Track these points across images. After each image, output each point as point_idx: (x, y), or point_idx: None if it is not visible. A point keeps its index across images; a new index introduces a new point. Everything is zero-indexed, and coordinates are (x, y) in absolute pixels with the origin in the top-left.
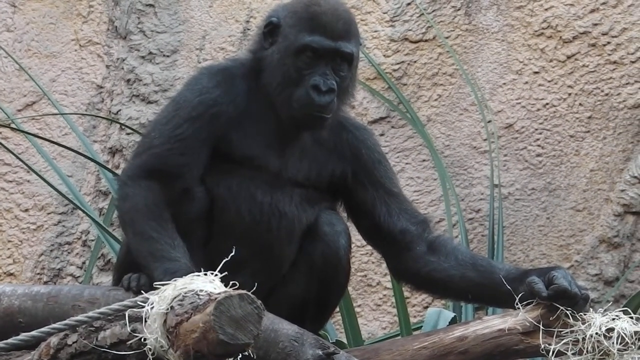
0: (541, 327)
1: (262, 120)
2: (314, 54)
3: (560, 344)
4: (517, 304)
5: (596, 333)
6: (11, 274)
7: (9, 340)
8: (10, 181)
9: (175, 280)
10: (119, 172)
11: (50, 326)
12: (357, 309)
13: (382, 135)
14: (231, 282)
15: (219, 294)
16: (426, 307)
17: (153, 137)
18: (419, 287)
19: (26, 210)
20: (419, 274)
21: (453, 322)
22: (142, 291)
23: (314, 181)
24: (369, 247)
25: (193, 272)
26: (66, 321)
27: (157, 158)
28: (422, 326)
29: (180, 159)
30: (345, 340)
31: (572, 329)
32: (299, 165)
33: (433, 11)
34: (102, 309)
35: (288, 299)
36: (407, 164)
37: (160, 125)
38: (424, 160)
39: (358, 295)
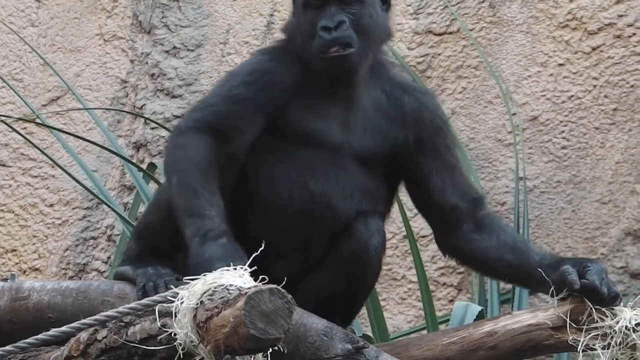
0: (568, 320)
1: (318, 92)
2: (318, 2)
3: (587, 338)
4: (550, 295)
5: (625, 327)
6: (37, 269)
7: (39, 336)
8: (35, 176)
9: (204, 274)
10: (143, 166)
11: (80, 321)
12: (382, 303)
13: None
14: (261, 277)
15: (249, 288)
16: (451, 301)
17: (210, 97)
18: (461, 262)
19: (51, 205)
20: (462, 251)
21: (480, 316)
22: (172, 286)
23: (377, 153)
24: (394, 241)
25: (225, 233)
26: (96, 316)
27: (215, 115)
28: (447, 320)
29: (235, 122)
30: (370, 334)
31: (600, 323)
32: (362, 137)
33: (457, 3)
34: (132, 304)
35: (315, 291)
36: None
37: (216, 89)
38: None
39: (383, 289)
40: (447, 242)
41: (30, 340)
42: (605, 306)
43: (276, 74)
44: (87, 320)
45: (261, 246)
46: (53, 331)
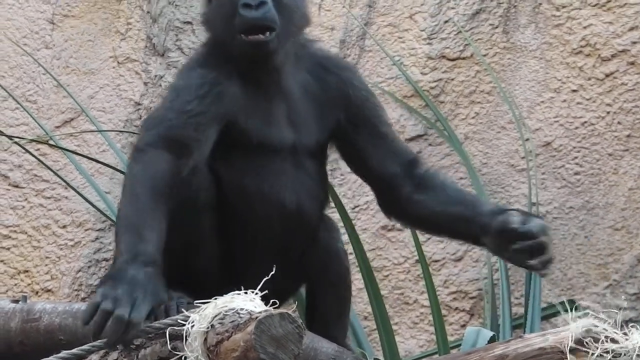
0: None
1: (257, 93)
2: None
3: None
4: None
5: (634, 350)
6: (49, 291)
7: (50, 358)
8: (49, 197)
9: (215, 298)
10: None
11: (91, 344)
12: (394, 327)
13: (419, 152)
14: (272, 301)
15: (259, 312)
16: (463, 326)
17: (165, 113)
18: (408, 225)
19: (64, 226)
20: (407, 214)
21: (492, 341)
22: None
23: (320, 142)
24: (407, 265)
25: (155, 262)
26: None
27: (173, 129)
28: (459, 344)
29: (193, 134)
30: (382, 358)
31: (611, 345)
32: (305, 130)
33: (471, 29)
34: (143, 327)
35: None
36: None
37: (169, 104)
38: (461, 178)
39: (395, 312)
40: (391, 207)
41: None
42: (536, 268)
43: (222, 84)
44: (98, 343)
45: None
46: (64, 353)
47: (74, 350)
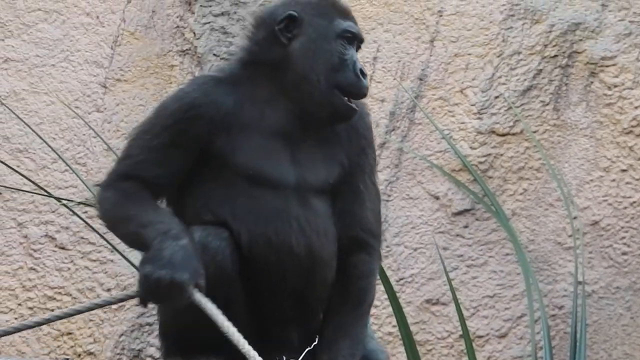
0: None
1: (267, 127)
2: (349, 39)
3: None
4: None
5: None
6: (91, 353)
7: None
8: (94, 260)
9: None
10: None
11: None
12: None
13: (465, 227)
14: None
15: None
16: None
17: (130, 147)
18: None
19: (108, 289)
20: None
21: None
22: None
23: (330, 180)
24: (450, 340)
25: (185, 232)
26: None
27: (131, 167)
28: None
29: (156, 170)
30: None
31: None
32: (313, 168)
33: (521, 105)
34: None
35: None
36: (490, 257)
37: (140, 134)
38: (507, 254)
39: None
40: None
41: None
42: None
43: (200, 106)
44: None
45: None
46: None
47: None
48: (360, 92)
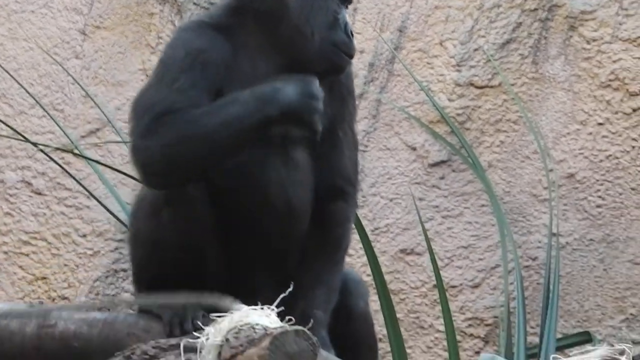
0: None
1: (259, 78)
2: None
3: None
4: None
5: None
6: (65, 298)
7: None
8: (70, 206)
9: (231, 312)
10: None
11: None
12: (408, 350)
13: (442, 178)
14: (287, 317)
15: (275, 328)
16: (477, 352)
17: (151, 96)
18: None
19: (84, 235)
20: None
21: None
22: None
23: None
24: (424, 289)
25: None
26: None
27: (165, 108)
28: None
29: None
30: None
31: None
32: None
33: (500, 58)
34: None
35: None
36: (465, 208)
37: (154, 85)
38: (483, 206)
39: (410, 336)
40: None
41: None
42: None
43: (207, 51)
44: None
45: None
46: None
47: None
48: (349, 52)
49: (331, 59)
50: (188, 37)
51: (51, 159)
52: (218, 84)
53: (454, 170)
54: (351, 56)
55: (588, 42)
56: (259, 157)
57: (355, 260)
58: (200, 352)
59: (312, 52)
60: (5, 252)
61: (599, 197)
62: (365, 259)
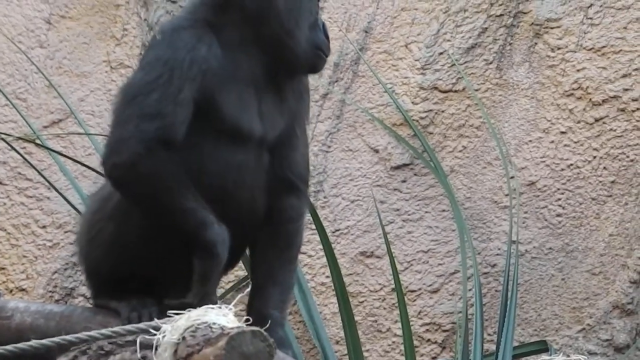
0: None
1: (242, 77)
2: None
3: None
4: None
5: None
6: (23, 290)
7: (19, 345)
8: (30, 197)
9: (189, 310)
10: None
11: (61, 337)
12: (365, 354)
13: (403, 181)
14: (245, 318)
15: (232, 328)
16: (434, 358)
17: (155, 100)
18: None
19: (44, 226)
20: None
21: None
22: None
23: (279, 133)
24: (382, 293)
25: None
26: (78, 335)
27: (168, 127)
28: None
29: (182, 127)
30: None
31: None
32: (273, 120)
33: (465, 62)
34: (116, 328)
35: None
36: (426, 212)
37: (156, 86)
38: (443, 211)
39: (367, 340)
40: None
41: (8, 347)
42: None
43: (208, 60)
44: (69, 337)
45: None
46: (34, 342)
47: (44, 341)
48: (327, 53)
49: (313, 61)
50: (189, 39)
51: (13, 148)
52: (202, 83)
53: (415, 174)
54: (326, 57)
55: (553, 50)
56: (242, 158)
57: (315, 262)
58: (156, 349)
59: (296, 52)
60: None
61: (560, 206)
62: (325, 260)
